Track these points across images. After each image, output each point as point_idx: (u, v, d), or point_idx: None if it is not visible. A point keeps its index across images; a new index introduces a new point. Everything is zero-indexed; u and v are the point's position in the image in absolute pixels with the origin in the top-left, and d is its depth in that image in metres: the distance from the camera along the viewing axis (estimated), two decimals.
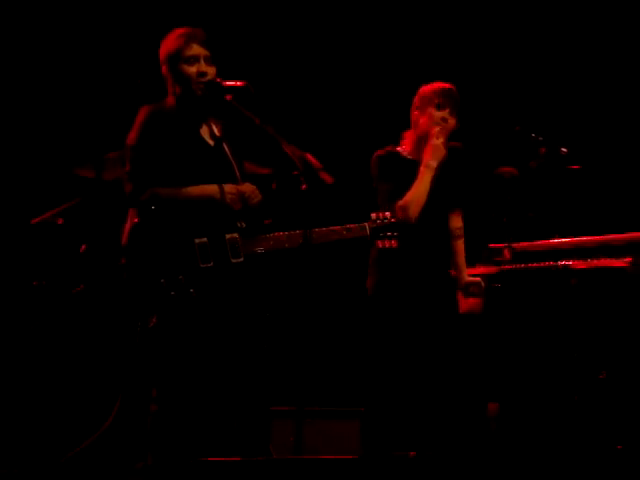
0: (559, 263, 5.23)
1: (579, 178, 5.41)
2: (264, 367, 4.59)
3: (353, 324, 6.91)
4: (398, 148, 5.29)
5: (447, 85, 5.17)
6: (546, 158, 5.33)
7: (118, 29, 6.81)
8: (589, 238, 5.25)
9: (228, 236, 4.57)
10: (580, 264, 5.19)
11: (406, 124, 5.74)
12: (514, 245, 5.44)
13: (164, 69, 4.67)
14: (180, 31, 4.65)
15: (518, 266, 5.27)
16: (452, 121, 5.15)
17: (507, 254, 5.30)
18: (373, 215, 4.80)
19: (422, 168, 5.09)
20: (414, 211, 5.05)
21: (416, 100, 5.23)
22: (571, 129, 6.78)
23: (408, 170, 5.15)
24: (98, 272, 5.86)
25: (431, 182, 5.08)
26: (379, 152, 5.26)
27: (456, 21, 7.20)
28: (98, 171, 5.89)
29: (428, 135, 5.13)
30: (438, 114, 5.12)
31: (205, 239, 4.51)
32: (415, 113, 5.23)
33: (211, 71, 4.62)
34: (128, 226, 4.51)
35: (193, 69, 4.60)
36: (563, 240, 5.28)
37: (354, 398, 6.36)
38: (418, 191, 5.08)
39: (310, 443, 5.40)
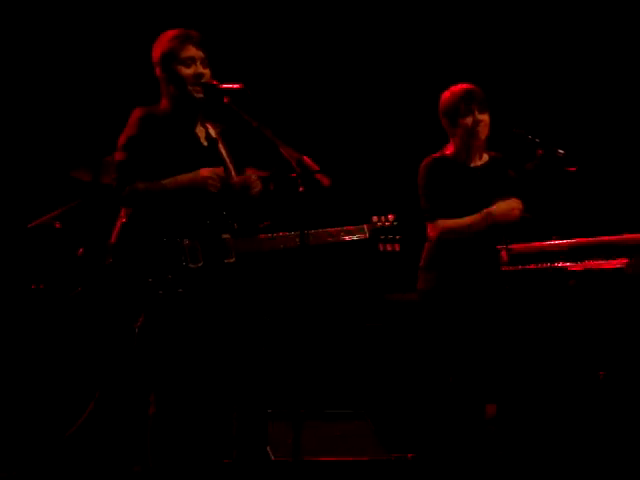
0: (557, 265, 5.23)
1: (576, 180, 5.41)
2: (259, 368, 4.57)
3: (350, 325, 6.93)
4: (446, 152, 5.38)
5: (467, 86, 5.30)
6: (543, 160, 5.33)
7: (114, 32, 6.81)
8: (586, 239, 5.25)
9: (220, 236, 4.56)
10: (577, 265, 5.20)
11: (402, 125, 5.75)
12: (511, 247, 5.44)
13: (158, 70, 4.65)
14: (175, 32, 4.63)
15: (516, 268, 5.27)
16: (485, 117, 5.28)
17: (504, 256, 5.30)
18: (374, 218, 4.80)
19: (485, 213, 5.18)
20: (446, 238, 5.19)
21: (444, 108, 5.32)
22: (568, 131, 6.79)
23: (457, 173, 5.28)
24: (95, 275, 5.86)
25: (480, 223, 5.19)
26: (427, 159, 5.34)
27: (452, 22, 7.21)
28: (95, 174, 5.89)
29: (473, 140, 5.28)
30: (469, 120, 5.25)
31: (195, 239, 4.50)
32: (445, 121, 5.33)
33: (207, 73, 4.61)
34: (117, 225, 4.50)
35: (189, 71, 4.58)
36: (561, 242, 5.28)
37: (352, 400, 6.37)
38: (465, 227, 5.20)
39: (308, 445, 5.40)
